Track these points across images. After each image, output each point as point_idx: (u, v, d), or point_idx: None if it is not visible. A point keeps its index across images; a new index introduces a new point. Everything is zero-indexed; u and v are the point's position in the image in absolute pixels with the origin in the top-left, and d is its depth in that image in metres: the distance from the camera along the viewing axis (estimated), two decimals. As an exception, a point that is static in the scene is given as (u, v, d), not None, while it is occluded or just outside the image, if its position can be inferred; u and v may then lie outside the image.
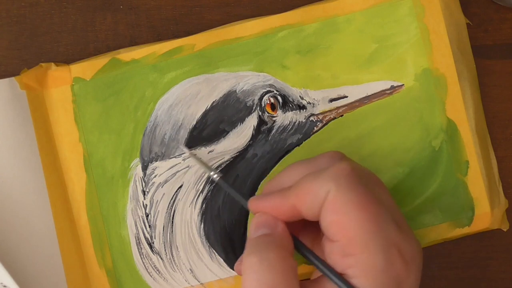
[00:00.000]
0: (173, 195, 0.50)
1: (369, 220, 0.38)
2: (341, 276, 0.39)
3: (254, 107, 0.50)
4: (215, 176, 0.46)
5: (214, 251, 0.50)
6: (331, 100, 0.50)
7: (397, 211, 0.41)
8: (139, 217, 0.50)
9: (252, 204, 0.42)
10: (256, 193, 0.50)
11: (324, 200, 0.39)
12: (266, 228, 0.41)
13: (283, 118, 0.50)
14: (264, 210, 0.42)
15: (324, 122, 0.50)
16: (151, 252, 0.50)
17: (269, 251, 0.39)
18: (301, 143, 0.50)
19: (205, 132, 0.50)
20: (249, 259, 0.40)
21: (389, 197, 0.41)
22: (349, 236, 0.38)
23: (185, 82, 0.50)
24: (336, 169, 0.40)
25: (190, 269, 0.50)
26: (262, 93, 0.50)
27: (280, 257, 0.39)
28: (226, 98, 0.50)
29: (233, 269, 0.50)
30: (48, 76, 0.50)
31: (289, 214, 0.41)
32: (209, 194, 0.50)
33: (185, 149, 0.49)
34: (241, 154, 0.50)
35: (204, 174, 0.50)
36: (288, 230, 0.41)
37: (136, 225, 0.50)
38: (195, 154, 0.49)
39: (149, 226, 0.50)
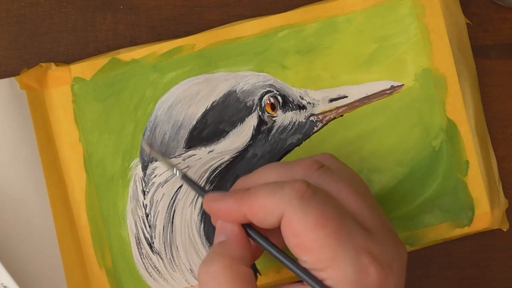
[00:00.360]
0: (173, 195, 0.50)
1: (329, 236, 0.38)
2: (315, 278, 0.39)
3: (254, 107, 0.50)
4: (177, 173, 0.46)
5: (214, 251, 0.50)
6: (331, 100, 0.50)
7: (370, 217, 0.41)
8: (139, 217, 0.50)
9: (206, 202, 0.42)
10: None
11: (279, 218, 0.39)
12: (223, 235, 0.42)
13: (283, 118, 0.50)
14: (216, 212, 0.42)
15: (324, 122, 0.50)
16: (151, 252, 0.50)
17: (212, 263, 0.40)
18: (301, 143, 0.50)
19: (205, 132, 0.50)
20: (199, 270, 0.40)
21: (360, 203, 0.41)
22: (315, 254, 0.39)
23: (185, 82, 0.50)
24: (291, 190, 0.39)
25: (190, 269, 0.50)
26: (262, 93, 0.50)
27: (224, 267, 0.39)
28: (226, 98, 0.50)
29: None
30: (48, 76, 0.50)
31: (241, 220, 0.41)
32: (209, 194, 0.50)
33: (146, 146, 0.49)
34: (241, 154, 0.50)
35: (204, 174, 0.50)
36: (244, 235, 0.41)
37: (136, 225, 0.50)
38: (157, 152, 0.49)
39: (149, 226, 0.50)
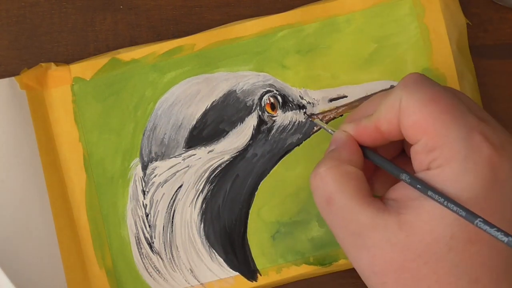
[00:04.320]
0: (173, 195, 0.50)
1: (442, 111, 0.39)
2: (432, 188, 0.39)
3: (254, 107, 0.50)
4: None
5: (214, 251, 0.50)
6: (331, 100, 0.50)
7: (478, 108, 0.42)
8: (139, 217, 0.50)
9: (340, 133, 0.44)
10: (256, 193, 0.50)
11: (399, 110, 0.40)
12: (333, 145, 0.43)
13: (283, 118, 0.50)
14: (356, 136, 0.43)
15: (324, 122, 0.50)
16: (151, 252, 0.50)
17: (320, 167, 0.42)
18: (301, 142, 0.50)
19: (205, 132, 0.50)
20: (310, 176, 0.42)
21: (468, 98, 0.42)
22: (428, 132, 0.39)
23: (185, 82, 0.50)
24: (403, 79, 0.41)
25: (190, 269, 0.50)
26: (262, 93, 0.50)
27: (329, 168, 0.41)
28: (226, 98, 0.50)
29: (233, 269, 0.50)
30: (48, 76, 0.50)
31: (374, 137, 0.43)
32: (209, 194, 0.50)
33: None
34: (241, 154, 0.50)
35: (204, 174, 0.50)
36: (353, 142, 0.43)
37: (136, 225, 0.50)
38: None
39: (149, 226, 0.50)
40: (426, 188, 0.39)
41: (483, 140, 0.39)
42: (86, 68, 0.50)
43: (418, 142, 0.40)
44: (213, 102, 0.50)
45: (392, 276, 0.39)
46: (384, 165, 0.42)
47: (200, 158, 0.50)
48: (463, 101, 0.41)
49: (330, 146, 0.44)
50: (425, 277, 0.39)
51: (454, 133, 0.39)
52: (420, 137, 0.40)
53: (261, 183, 0.50)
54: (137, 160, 0.50)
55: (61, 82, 0.50)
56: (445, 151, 0.39)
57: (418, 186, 0.39)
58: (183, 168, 0.50)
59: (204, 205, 0.50)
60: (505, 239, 0.36)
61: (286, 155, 0.50)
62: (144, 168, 0.50)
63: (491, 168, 0.38)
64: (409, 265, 0.39)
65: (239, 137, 0.50)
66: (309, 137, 0.50)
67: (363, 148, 0.43)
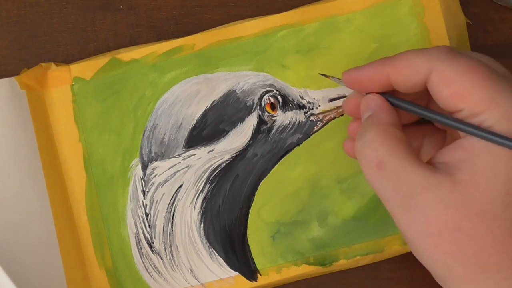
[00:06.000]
0: (173, 195, 0.50)
1: (483, 78, 0.39)
2: (471, 124, 0.39)
3: (254, 107, 0.50)
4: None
5: (214, 251, 0.50)
6: (331, 100, 0.50)
7: (508, 73, 0.41)
8: (139, 217, 0.50)
9: (345, 74, 0.44)
10: (256, 193, 0.50)
11: (425, 76, 0.40)
12: (368, 111, 0.43)
13: (283, 117, 0.50)
14: (356, 79, 0.43)
15: (324, 121, 0.50)
16: (151, 252, 0.50)
17: (365, 134, 0.41)
18: (301, 142, 0.50)
19: (205, 132, 0.50)
20: (356, 145, 0.42)
21: (499, 65, 0.42)
22: (471, 100, 0.39)
23: (185, 81, 0.50)
24: (437, 49, 0.41)
25: (190, 269, 0.50)
26: (262, 93, 0.50)
27: (376, 133, 0.41)
28: (226, 97, 0.50)
29: (233, 269, 0.50)
30: (48, 76, 0.50)
31: (381, 83, 0.42)
32: (209, 194, 0.50)
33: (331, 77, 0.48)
34: (241, 154, 0.50)
35: (204, 174, 0.50)
36: (388, 104, 0.43)
37: (136, 225, 0.50)
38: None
39: (149, 226, 0.50)
40: (480, 129, 0.39)
41: None
42: (86, 68, 0.50)
43: (461, 110, 0.39)
44: (213, 102, 0.50)
45: (448, 236, 0.38)
46: (424, 114, 0.42)
47: (200, 158, 0.50)
48: (497, 69, 0.41)
49: (364, 113, 0.43)
50: (482, 237, 0.38)
51: (498, 94, 0.38)
52: (462, 106, 0.39)
53: (261, 183, 0.50)
54: (137, 160, 0.50)
55: (61, 82, 0.50)
56: (493, 114, 0.38)
57: (472, 126, 0.39)
58: (183, 168, 0.50)
59: (204, 205, 0.50)
60: None
61: (286, 155, 0.50)
62: (144, 168, 0.50)
63: None
64: (465, 225, 0.38)
65: (239, 137, 0.50)
66: (309, 137, 0.50)
67: (396, 99, 0.43)
